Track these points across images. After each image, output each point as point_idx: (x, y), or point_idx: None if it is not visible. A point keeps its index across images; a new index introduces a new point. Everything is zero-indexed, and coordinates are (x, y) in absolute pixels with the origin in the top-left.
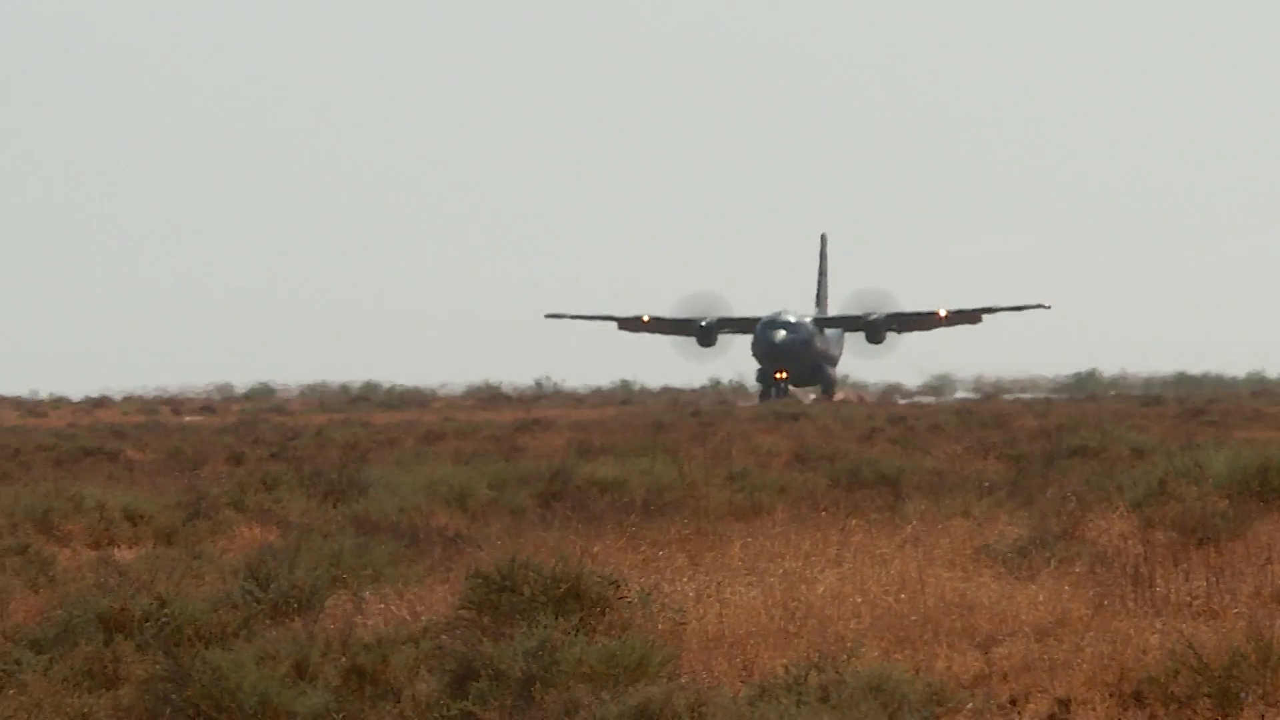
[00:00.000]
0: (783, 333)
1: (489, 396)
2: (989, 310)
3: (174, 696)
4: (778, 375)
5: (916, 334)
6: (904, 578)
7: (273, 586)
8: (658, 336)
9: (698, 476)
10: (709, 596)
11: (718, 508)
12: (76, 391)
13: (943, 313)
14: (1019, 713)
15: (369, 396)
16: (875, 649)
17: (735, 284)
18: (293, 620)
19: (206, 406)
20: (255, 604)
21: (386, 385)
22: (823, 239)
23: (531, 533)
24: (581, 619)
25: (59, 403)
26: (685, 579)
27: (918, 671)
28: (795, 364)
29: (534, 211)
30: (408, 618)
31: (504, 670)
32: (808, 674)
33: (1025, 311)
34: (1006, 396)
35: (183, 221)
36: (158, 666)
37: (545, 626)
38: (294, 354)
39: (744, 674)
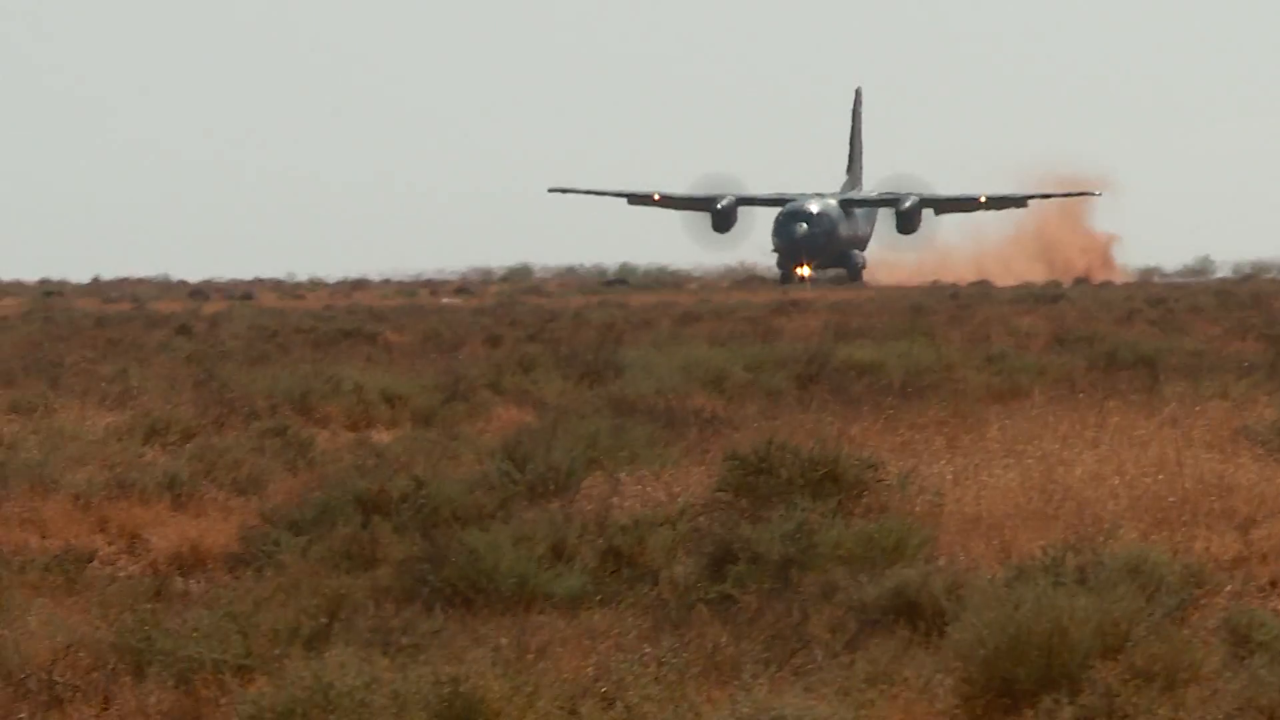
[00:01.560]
0: (804, 226)
1: (744, 278)
2: (1033, 196)
3: (431, 577)
4: (799, 270)
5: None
6: (1162, 459)
7: (529, 468)
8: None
9: (955, 358)
10: (966, 479)
11: (975, 390)
12: (334, 274)
13: (983, 198)
14: (1279, 595)
15: (625, 278)
16: (1133, 531)
17: (754, 157)
18: (549, 502)
19: (464, 288)
20: (512, 485)
21: (642, 267)
22: (857, 95)
23: (788, 415)
24: (839, 502)
25: (317, 285)
26: (943, 461)
27: (1175, 553)
28: (819, 255)
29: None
30: (664, 500)
31: (761, 553)
32: (1065, 556)
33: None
34: (1266, 277)
35: (453, 112)
36: (415, 548)
37: (803, 509)
38: (551, 236)
39: (1001, 556)
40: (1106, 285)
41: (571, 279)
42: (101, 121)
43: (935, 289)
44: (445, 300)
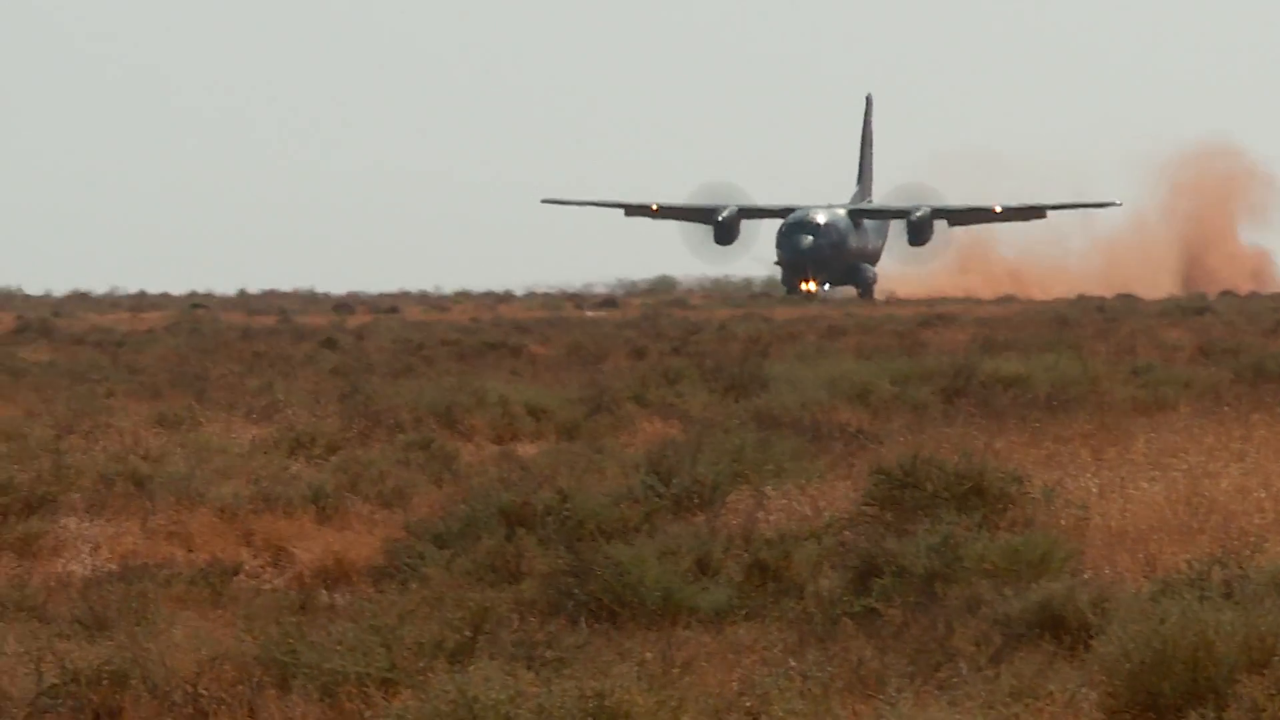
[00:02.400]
0: (809, 238)
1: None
2: (1054, 207)
3: (576, 591)
4: (804, 285)
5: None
6: None
7: (674, 481)
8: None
9: (1101, 371)
10: (1112, 492)
11: (1121, 403)
12: (480, 287)
13: (998, 208)
14: None
15: (770, 291)
16: (1279, 544)
17: (758, 165)
18: (694, 515)
19: (608, 301)
20: (657, 499)
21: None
22: (867, 102)
23: (934, 429)
24: (984, 515)
25: (462, 298)
26: (1088, 475)
27: None
28: (825, 269)
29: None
30: (810, 514)
31: (907, 566)
32: (1211, 569)
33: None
34: None
35: (595, 127)
36: (559, 561)
37: (948, 522)
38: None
39: (1146, 569)
40: (1253, 297)
41: (715, 291)
42: (246, 136)
43: (1080, 301)
44: (589, 313)
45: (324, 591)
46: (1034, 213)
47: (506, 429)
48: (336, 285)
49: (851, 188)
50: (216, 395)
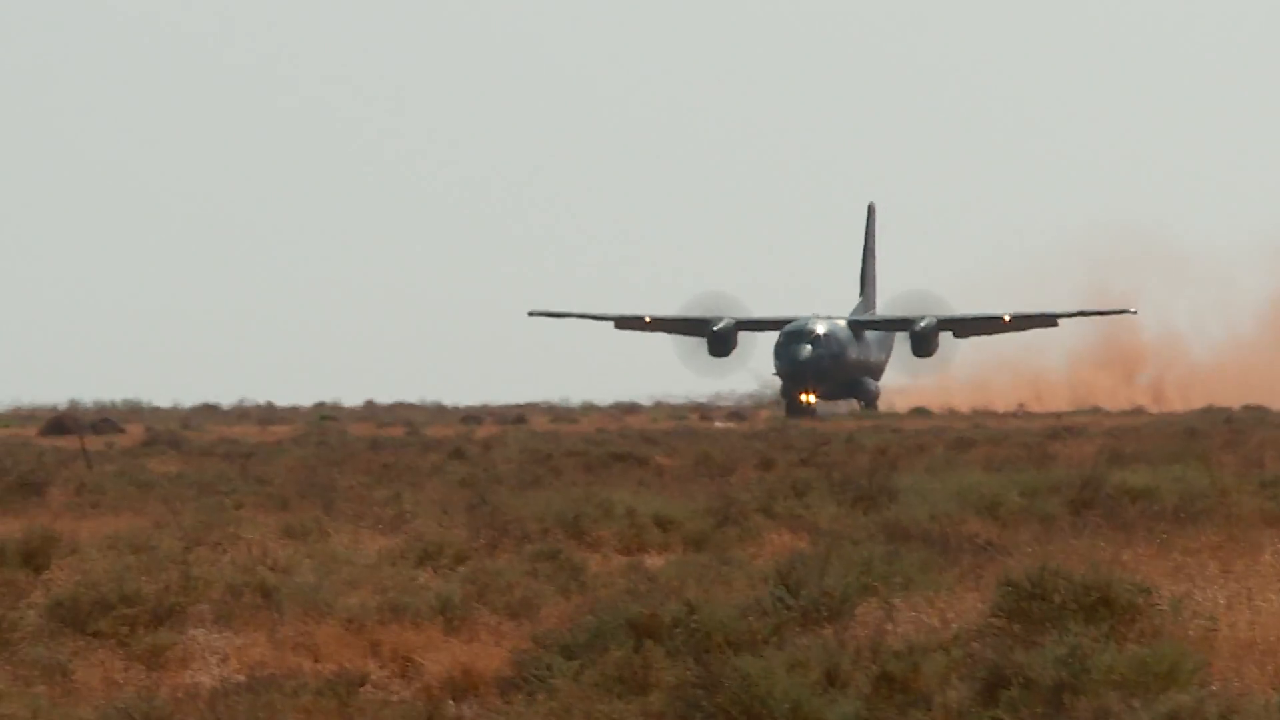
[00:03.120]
0: (808, 348)
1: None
2: (1066, 315)
3: (704, 703)
4: (803, 397)
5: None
6: None
7: (803, 593)
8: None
9: (1229, 483)
10: (1240, 603)
11: (1249, 514)
12: (606, 398)
13: (1007, 317)
14: None
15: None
16: None
17: (755, 277)
18: (823, 627)
19: (736, 413)
20: (785, 610)
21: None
22: (870, 211)
23: (1062, 540)
24: (1112, 626)
25: (589, 409)
26: (1216, 586)
27: None
28: (826, 381)
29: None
30: (938, 625)
31: (1034, 678)
32: None
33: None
34: None
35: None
36: (688, 672)
37: (1075, 634)
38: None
39: (1275, 681)
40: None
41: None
42: (373, 250)
43: (1209, 413)
44: (718, 424)
45: (451, 703)
46: (1045, 321)
47: (634, 540)
48: (464, 397)
49: (854, 298)
50: (344, 506)
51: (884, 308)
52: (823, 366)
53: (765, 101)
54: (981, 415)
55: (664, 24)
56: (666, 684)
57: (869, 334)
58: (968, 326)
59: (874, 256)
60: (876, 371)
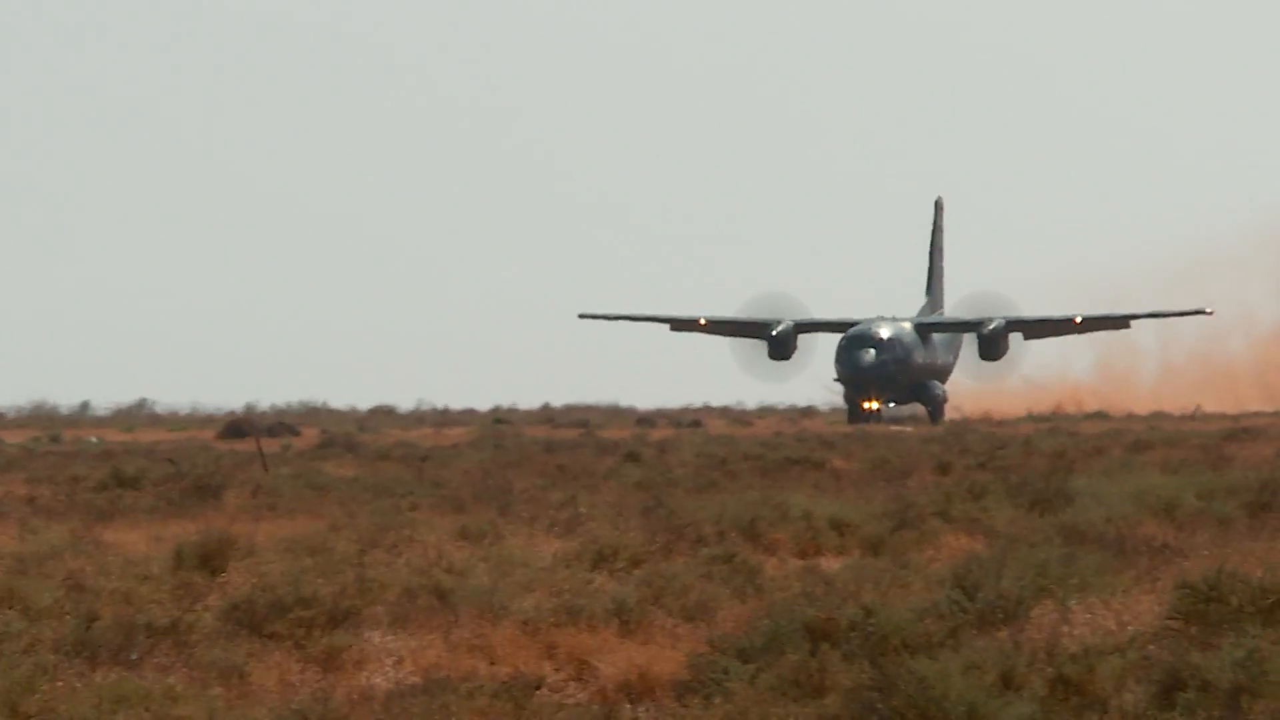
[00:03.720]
0: (871, 353)
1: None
2: (1139, 316)
3: (880, 706)
4: (867, 405)
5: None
6: None
7: (979, 596)
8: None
9: None
10: None
11: None
12: (783, 401)
13: (1078, 319)
14: None
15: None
16: None
17: (816, 276)
18: (998, 630)
19: (911, 416)
20: (961, 613)
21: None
22: (937, 206)
23: (1239, 543)
24: None
25: (766, 412)
26: None
27: None
28: (890, 387)
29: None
30: (1114, 628)
31: (1211, 680)
32: None
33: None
34: None
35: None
36: (864, 676)
37: (1253, 636)
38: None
39: None
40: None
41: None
42: (550, 252)
43: None
44: (894, 428)
45: (627, 706)
46: (1118, 323)
47: (810, 543)
48: (640, 399)
49: (920, 299)
50: (519, 509)
51: (952, 309)
52: (887, 372)
53: (826, 90)
54: (1158, 418)
55: (716, 12)
56: (842, 687)
57: (935, 336)
58: (1038, 328)
59: (941, 254)
60: (943, 375)
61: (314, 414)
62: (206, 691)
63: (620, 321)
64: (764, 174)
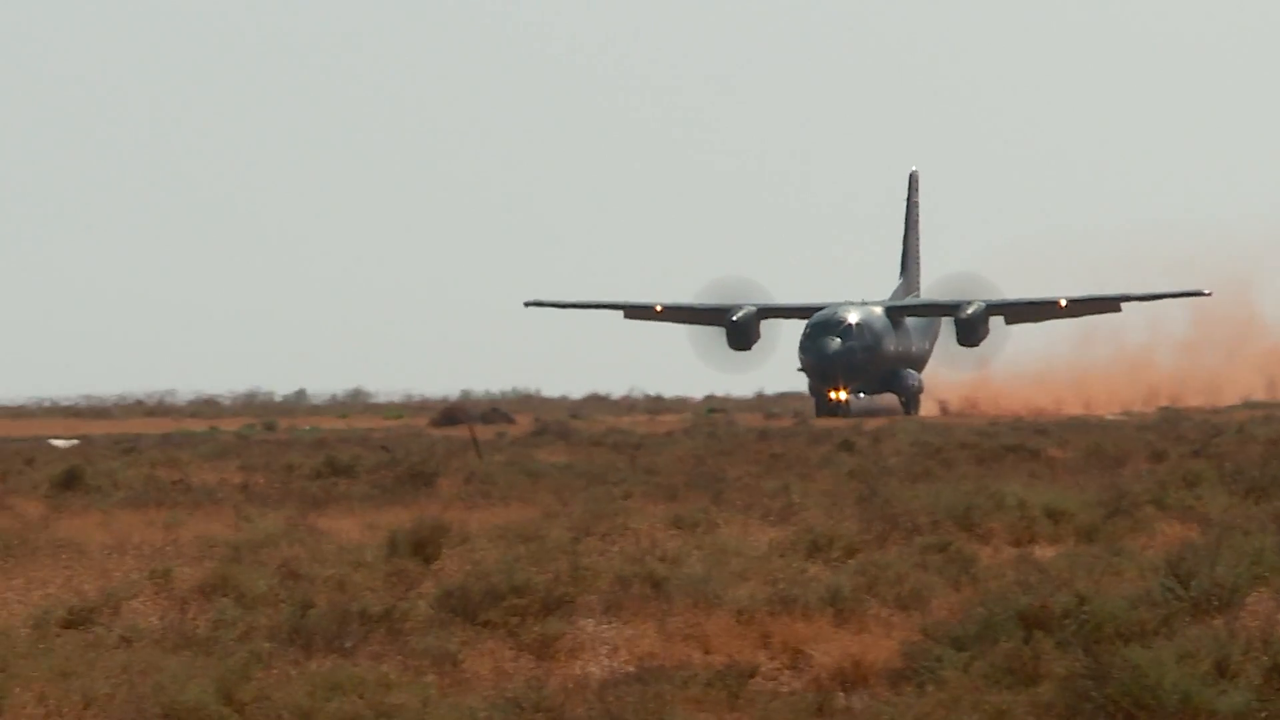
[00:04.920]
0: (837, 340)
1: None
2: (1131, 298)
3: (1094, 694)
4: (833, 394)
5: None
6: None
7: (1193, 584)
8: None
9: None
10: None
11: None
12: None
13: (1063, 301)
14: None
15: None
16: None
17: (780, 259)
18: (1213, 618)
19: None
20: (1176, 601)
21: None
22: (911, 180)
23: None
24: None
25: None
26: None
27: None
28: (859, 376)
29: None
30: None
31: None
32: None
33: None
34: None
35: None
36: (1077, 664)
37: None
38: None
39: None
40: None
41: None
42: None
43: None
44: (1109, 416)
45: (841, 694)
46: (1108, 305)
47: (1024, 532)
48: None
49: (894, 281)
50: (733, 497)
51: (928, 291)
52: (855, 360)
53: (786, 53)
54: None
55: None
56: (1056, 675)
57: (910, 321)
58: (1020, 312)
59: (917, 232)
60: (919, 363)
61: (527, 401)
62: (420, 679)
63: (570, 310)
64: (721, 148)
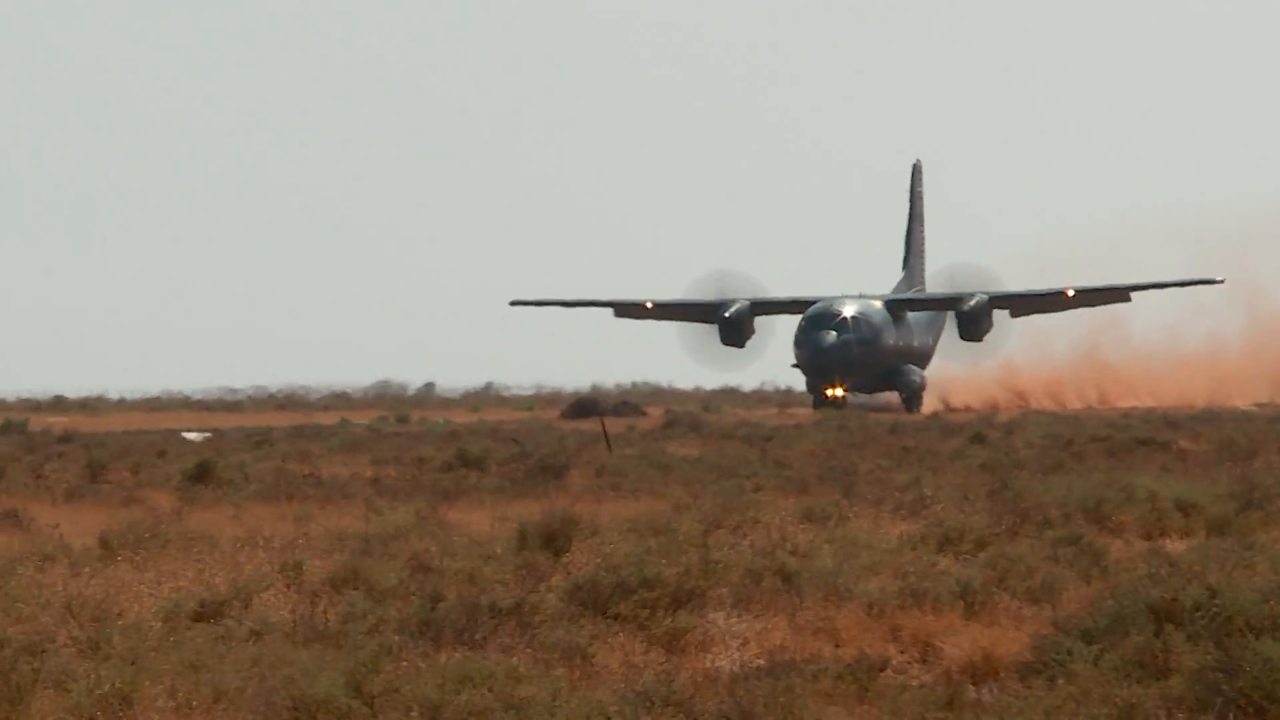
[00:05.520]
0: (832, 334)
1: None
2: (1139, 287)
3: (1225, 688)
4: (829, 391)
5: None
6: None
7: None
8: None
9: None
10: None
11: None
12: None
13: (1070, 292)
14: None
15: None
16: None
17: (776, 251)
18: None
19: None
20: None
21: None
22: (914, 170)
23: None
24: None
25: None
26: None
27: None
28: (856, 371)
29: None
30: None
31: None
32: None
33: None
34: None
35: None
36: (1208, 657)
37: None
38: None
39: None
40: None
41: None
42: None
43: None
44: (1242, 408)
45: (971, 687)
46: (1118, 295)
47: (1155, 525)
48: None
49: (896, 274)
50: (864, 490)
51: (931, 284)
52: (851, 355)
53: (785, 40)
54: None
55: None
56: (1187, 669)
57: (913, 315)
58: (1025, 304)
59: (921, 224)
60: (922, 359)
61: (658, 394)
62: (550, 673)
63: (556, 308)
64: (717, 137)
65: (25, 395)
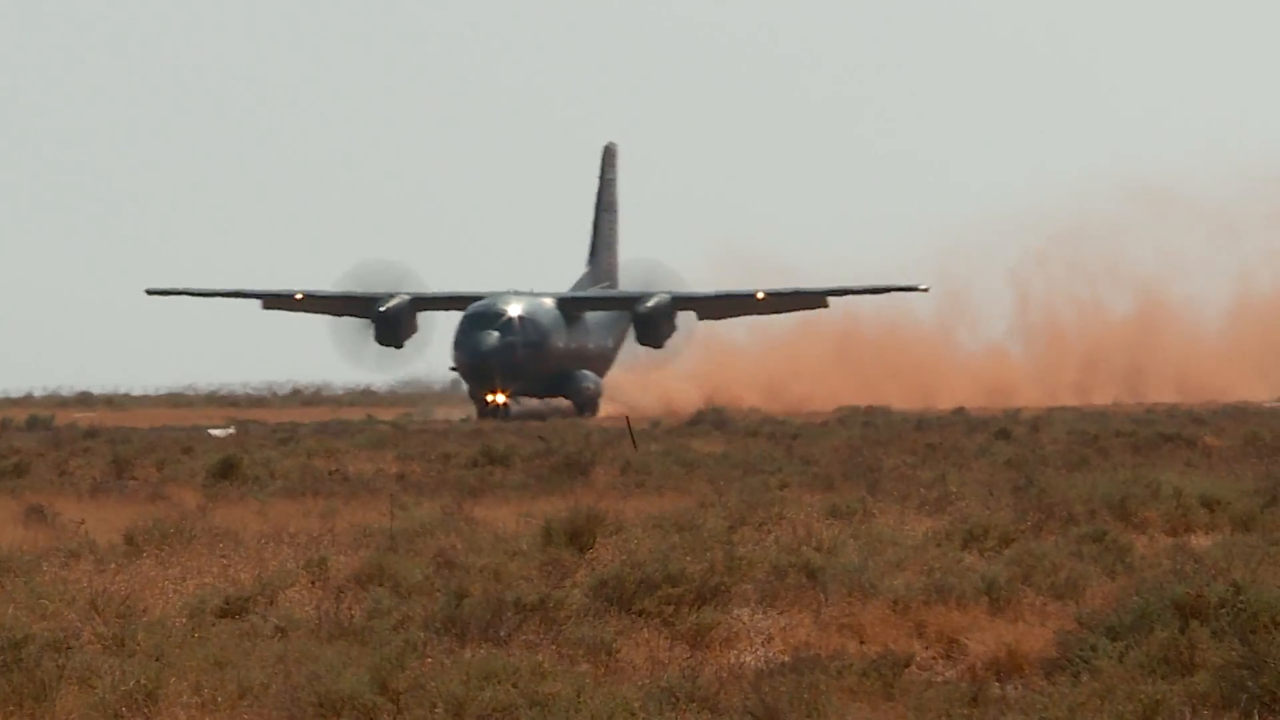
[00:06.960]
0: (494, 335)
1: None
2: (839, 292)
3: (1249, 684)
4: (491, 398)
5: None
6: None
7: None
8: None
9: None
10: None
11: None
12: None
13: (760, 294)
14: None
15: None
16: None
17: (440, 240)
18: None
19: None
20: None
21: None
22: (607, 153)
23: None
24: None
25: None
26: None
27: None
28: (521, 377)
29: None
30: None
31: None
32: None
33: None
34: None
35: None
36: (1233, 653)
37: None
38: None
39: None
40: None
41: None
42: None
43: None
44: (1269, 404)
45: (995, 684)
46: (813, 300)
47: (1180, 521)
48: None
49: (581, 268)
50: (889, 487)
51: (626, 281)
52: (515, 359)
53: (462, 5)
54: None
55: None
56: (1211, 665)
57: (590, 315)
58: (712, 306)
59: (613, 214)
60: (599, 362)
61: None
62: (575, 668)
63: (199, 298)
64: (378, 113)
65: (51, 391)
